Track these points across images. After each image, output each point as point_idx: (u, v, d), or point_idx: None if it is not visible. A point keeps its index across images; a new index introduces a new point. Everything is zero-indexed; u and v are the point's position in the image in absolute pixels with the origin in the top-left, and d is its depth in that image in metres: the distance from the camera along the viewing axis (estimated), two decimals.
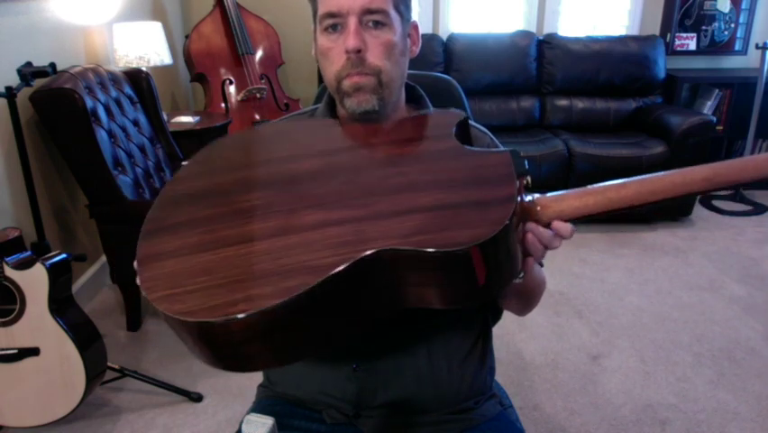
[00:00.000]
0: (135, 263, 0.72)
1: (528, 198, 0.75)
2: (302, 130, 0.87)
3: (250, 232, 0.69)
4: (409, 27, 0.90)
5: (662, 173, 0.77)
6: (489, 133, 1.00)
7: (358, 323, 0.68)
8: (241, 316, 0.59)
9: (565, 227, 0.74)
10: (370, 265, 0.64)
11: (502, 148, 0.81)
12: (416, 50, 0.93)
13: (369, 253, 0.63)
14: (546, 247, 0.75)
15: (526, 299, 0.97)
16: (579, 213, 0.75)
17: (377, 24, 0.83)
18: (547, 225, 0.74)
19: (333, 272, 0.61)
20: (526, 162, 0.74)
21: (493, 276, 0.66)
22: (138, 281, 0.70)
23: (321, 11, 0.85)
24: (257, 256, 0.66)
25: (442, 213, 0.67)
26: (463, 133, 0.87)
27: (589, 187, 0.76)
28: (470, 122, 1.02)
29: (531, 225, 0.74)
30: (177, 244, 0.70)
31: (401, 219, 0.67)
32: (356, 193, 0.72)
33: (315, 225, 0.68)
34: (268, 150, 0.85)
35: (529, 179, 0.74)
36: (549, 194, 0.77)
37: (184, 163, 0.87)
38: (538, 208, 0.74)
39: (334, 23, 0.84)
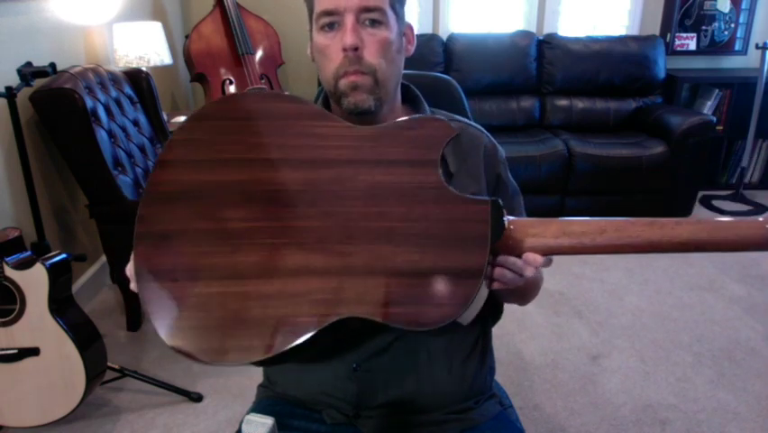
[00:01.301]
0: (130, 271, 0.76)
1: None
2: (291, 124, 0.81)
3: (237, 266, 0.76)
4: (404, 26, 0.91)
5: (643, 224, 0.75)
6: (486, 133, 1.00)
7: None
8: (229, 363, 0.73)
9: (535, 258, 0.75)
10: (344, 321, 0.73)
11: (485, 197, 0.76)
12: (412, 48, 0.94)
13: (343, 317, 0.72)
14: (518, 275, 0.76)
15: (521, 295, 0.98)
16: (551, 252, 0.75)
17: (373, 23, 0.84)
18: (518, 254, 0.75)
19: (310, 334, 0.72)
20: (506, 220, 0.75)
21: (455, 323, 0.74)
22: (136, 290, 0.75)
23: (317, 9, 0.85)
24: (246, 301, 0.74)
25: (414, 282, 0.73)
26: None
27: (568, 224, 0.76)
28: (467, 121, 1.02)
29: (501, 259, 0.75)
30: (171, 263, 0.76)
31: (376, 282, 0.73)
32: (336, 235, 0.76)
33: (297, 270, 0.75)
34: (255, 143, 0.81)
35: (506, 221, 0.75)
36: (526, 220, 0.77)
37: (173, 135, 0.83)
38: (510, 242, 0.75)
39: (331, 21, 0.84)
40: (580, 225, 0.75)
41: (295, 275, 0.75)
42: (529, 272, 0.75)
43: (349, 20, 0.82)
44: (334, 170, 0.78)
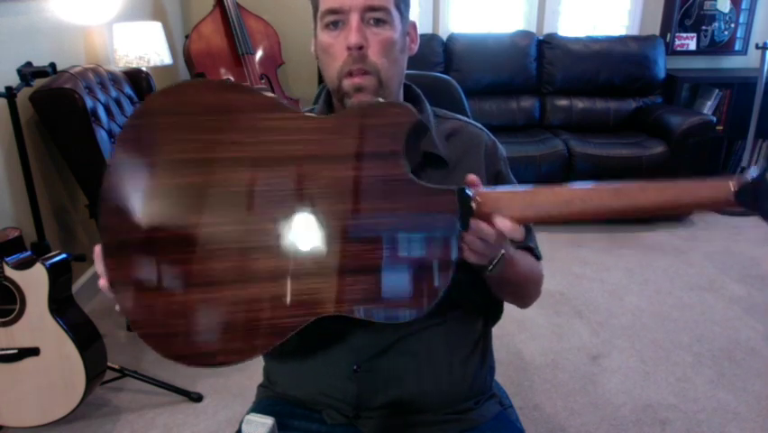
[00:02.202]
0: (105, 283, 0.76)
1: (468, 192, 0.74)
2: (246, 118, 0.75)
3: (211, 273, 0.75)
4: (408, 26, 0.91)
5: (609, 193, 0.74)
6: (487, 131, 1.01)
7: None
8: (219, 365, 0.76)
9: (504, 223, 0.73)
10: (328, 318, 0.74)
11: (451, 186, 0.74)
12: (415, 48, 0.94)
13: (323, 315, 0.74)
14: (488, 242, 0.74)
15: (515, 287, 0.94)
16: (519, 223, 0.74)
17: (378, 22, 0.84)
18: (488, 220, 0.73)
19: (292, 334, 0.74)
20: (471, 194, 0.73)
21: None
22: (116, 305, 0.76)
23: (323, 7, 0.85)
24: (226, 306, 0.75)
25: (388, 277, 0.73)
26: (417, 132, 0.79)
27: (534, 195, 0.75)
28: (467, 119, 1.03)
29: (472, 226, 0.73)
30: (145, 273, 0.75)
31: (351, 279, 0.73)
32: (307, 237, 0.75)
33: (271, 273, 0.74)
34: (211, 140, 0.76)
35: (473, 202, 0.73)
36: (494, 193, 0.75)
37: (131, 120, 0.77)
38: (474, 206, 0.73)
39: (336, 19, 0.84)
40: (547, 195, 0.74)
41: (271, 279, 0.74)
42: (497, 238, 0.73)
43: (354, 19, 0.83)
44: (298, 167, 0.75)
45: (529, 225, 1.00)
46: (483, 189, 0.75)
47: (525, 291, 0.98)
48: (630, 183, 0.73)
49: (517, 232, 0.73)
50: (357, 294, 0.73)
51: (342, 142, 0.75)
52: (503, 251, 0.79)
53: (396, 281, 0.73)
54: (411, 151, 0.77)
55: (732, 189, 0.70)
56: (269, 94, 0.77)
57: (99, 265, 0.77)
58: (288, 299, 0.74)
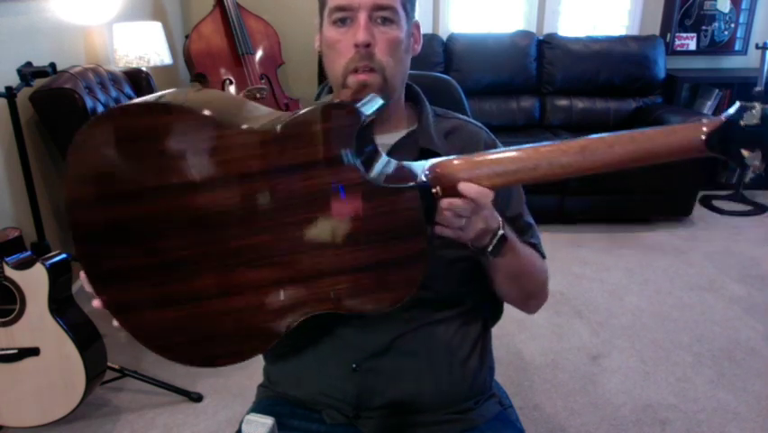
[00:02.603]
0: (101, 304, 0.79)
1: (425, 172, 0.74)
2: (187, 140, 0.72)
3: (196, 290, 0.78)
4: (412, 26, 0.92)
5: (575, 152, 0.71)
6: (486, 129, 1.01)
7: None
8: (221, 365, 0.82)
9: (469, 187, 0.72)
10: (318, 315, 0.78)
11: (414, 182, 0.72)
12: (418, 48, 0.96)
13: (308, 316, 0.77)
14: (467, 218, 0.73)
15: (518, 279, 0.92)
16: (491, 188, 0.72)
17: (385, 21, 0.86)
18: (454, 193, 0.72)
19: (282, 335, 0.78)
20: (435, 191, 0.72)
21: None
22: (118, 324, 0.80)
23: (331, 3, 0.87)
24: (217, 316, 0.78)
25: (363, 276, 0.74)
26: (365, 129, 0.76)
27: (497, 163, 0.73)
28: (467, 118, 1.03)
29: (443, 205, 0.72)
30: (138, 296, 0.79)
31: (328, 281, 0.75)
32: (276, 249, 0.75)
33: (253, 285, 0.77)
34: (159, 167, 0.74)
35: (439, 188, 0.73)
36: (455, 165, 0.74)
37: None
38: (436, 191, 0.72)
39: (344, 16, 0.86)
40: (512, 161, 0.73)
41: (253, 289, 0.77)
42: (471, 207, 0.72)
43: (362, 17, 0.84)
44: (252, 184, 0.73)
45: (531, 221, 1.00)
46: (441, 160, 0.75)
47: (529, 285, 0.95)
48: (596, 138, 0.71)
49: (484, 194, 0.72)
50: (336, 294, 0.75)
51: (289, 154, 0.72)
52: (501, 231, 0.78)
53: (372, 278, 0.74)
54: (363, 146, 0.75)
55: (702, 138, 0.67)
56: (206, 112, 0.72)
57: (88, 287, 0.80)
58: (273, 306, 0.77)
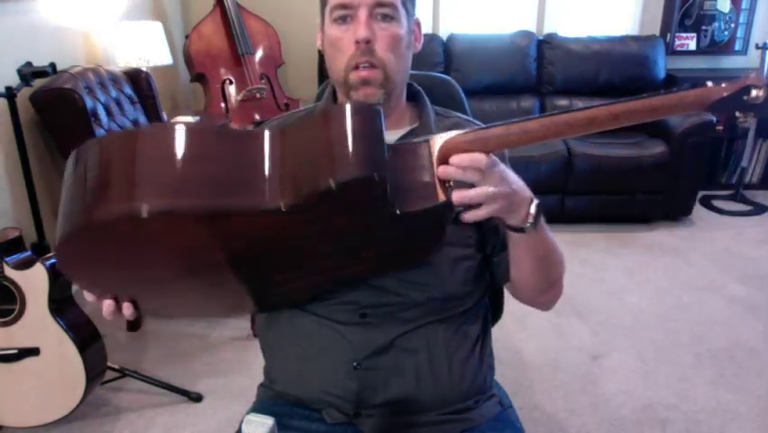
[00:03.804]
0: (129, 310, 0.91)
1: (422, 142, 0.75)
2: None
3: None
4: (413, 23, 0.93)
5: (565, 125, 0.74)
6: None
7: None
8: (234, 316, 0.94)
9: (461, 159, 0.72)
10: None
11: (434, 202, 0.72)
12: (419, 46, 0.96)
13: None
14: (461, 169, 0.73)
15: (543, 258, 0.93)
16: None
17: (386, 18, 0.86)
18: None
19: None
20: (457, 211, 0.74)
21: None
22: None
23: (332, 1, 0.87)
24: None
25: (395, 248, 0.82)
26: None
27: (496, 141, 0.75)
28: (467, 118, 1.04)
29: (440, 172, 0.72)
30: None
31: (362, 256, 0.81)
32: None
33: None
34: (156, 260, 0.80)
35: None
36: (454, 147, 0.74)
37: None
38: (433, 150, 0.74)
39: (345, 14, 0.86)
40: (519, 136, 0.73)
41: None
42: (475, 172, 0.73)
43: (362, 13, 0.85)
44: (281, 247, 0.75)
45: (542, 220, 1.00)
46: (442, 137, 0.75)
47: (554, 269, 0.96)
48: (603, 110, 0.76)
49: (479, 159, 0.72)
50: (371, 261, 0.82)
51: (314, 226, 0.71)
52: (536, 200, 0.81)
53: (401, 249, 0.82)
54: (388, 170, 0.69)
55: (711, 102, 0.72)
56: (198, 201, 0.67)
57: (89, 297, 0.85)
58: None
